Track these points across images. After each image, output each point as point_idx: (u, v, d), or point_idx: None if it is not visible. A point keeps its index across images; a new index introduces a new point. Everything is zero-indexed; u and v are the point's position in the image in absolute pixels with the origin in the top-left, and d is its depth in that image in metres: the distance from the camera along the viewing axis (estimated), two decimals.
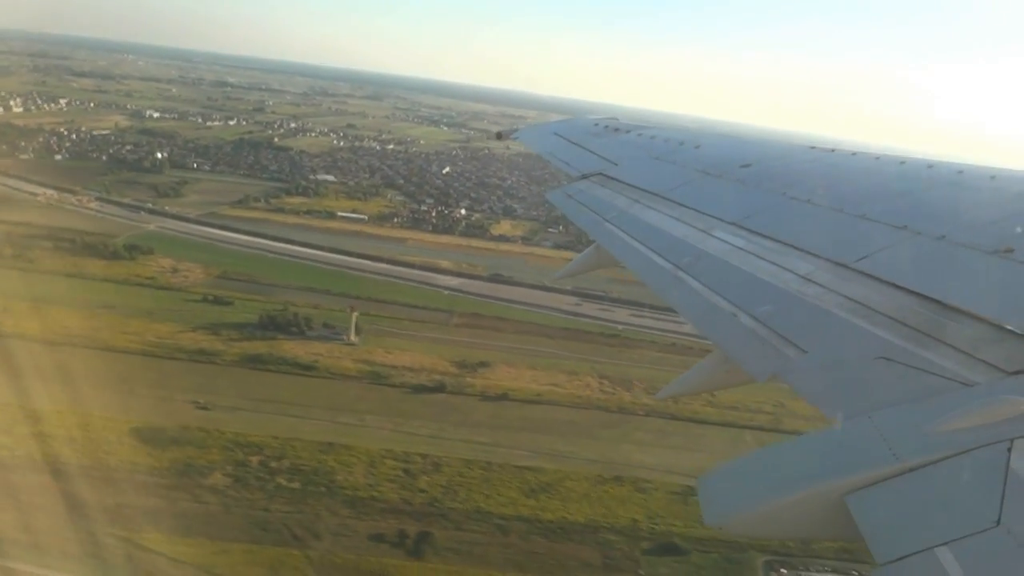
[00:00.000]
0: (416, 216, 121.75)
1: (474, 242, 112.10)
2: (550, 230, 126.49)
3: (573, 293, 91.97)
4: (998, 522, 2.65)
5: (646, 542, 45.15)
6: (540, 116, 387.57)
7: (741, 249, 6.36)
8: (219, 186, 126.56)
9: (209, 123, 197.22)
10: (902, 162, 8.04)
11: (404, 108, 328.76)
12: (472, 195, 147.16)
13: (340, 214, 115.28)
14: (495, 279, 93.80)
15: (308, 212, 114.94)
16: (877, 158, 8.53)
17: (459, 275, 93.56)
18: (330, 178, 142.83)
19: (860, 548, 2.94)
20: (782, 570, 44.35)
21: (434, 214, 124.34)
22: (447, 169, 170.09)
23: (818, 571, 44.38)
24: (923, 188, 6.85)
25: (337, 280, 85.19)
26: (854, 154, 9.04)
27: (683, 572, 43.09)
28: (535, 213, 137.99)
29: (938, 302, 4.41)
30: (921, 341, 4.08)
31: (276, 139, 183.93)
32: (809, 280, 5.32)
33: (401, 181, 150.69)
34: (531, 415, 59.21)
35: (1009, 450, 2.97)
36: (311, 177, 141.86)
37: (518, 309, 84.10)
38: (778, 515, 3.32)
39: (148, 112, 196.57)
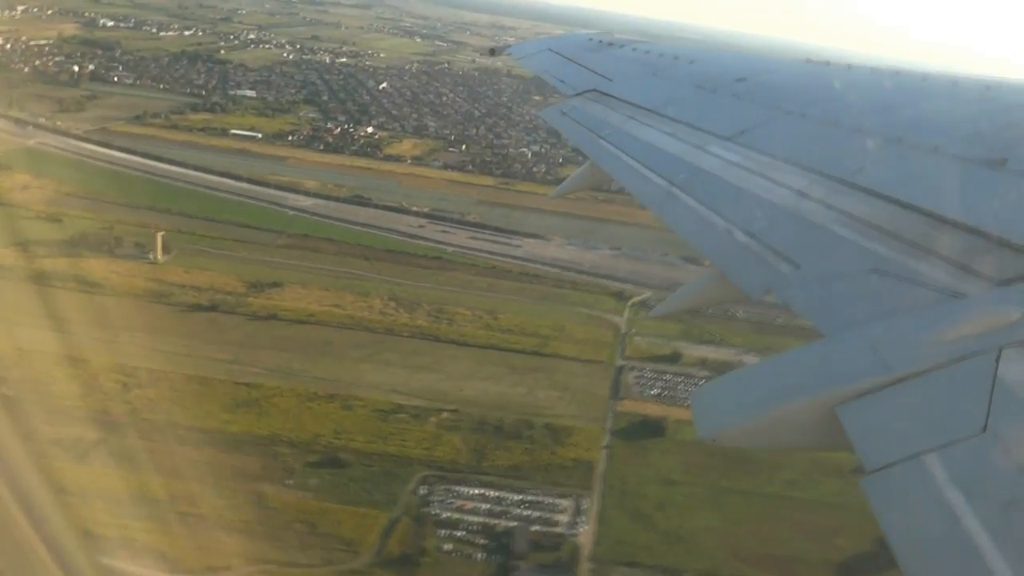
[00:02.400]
0: (316, 134, 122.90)
1: (360, 161, 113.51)
2: (450, 150, 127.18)
3: (423, 215, 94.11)
4: (984, 429, 2.72)
5: (316, 456, 48.97)
6: (534, 27, 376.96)
7: (736, 165, 6.37)
8: (130, 101, 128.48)
9: (162, 33, 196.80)
10: (897, 73, 8.11)
11: (387, 18, 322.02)
12: (393, 112, 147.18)
13: (233, 132, 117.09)
14: (352, 200, 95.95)
15: (203, 129, 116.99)
16: (872, 71, 8.61)
17: (317, 196, 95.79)
18: (250, 94, 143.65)
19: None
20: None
21: (337, 132, 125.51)
22: (384, 84, 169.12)
23: (468, 486, 47.92)
24: (918, 100, 6.92)
25: (184, 199, 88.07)
26: (849, 67, 9.01)
27: (333, 483, 46.89)
28: (447, 131, 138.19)
29: (931, 214, 4.46)
30: (914, 253, 4.17)
31: (222, 51, 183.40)
32: (803, 195, 5.37)
33: (325, 97, 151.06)
34: (290, 335, 62.71)
35: (997, 359, 3.02)
36: (231, 93, 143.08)
37: (354, 231, 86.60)
38: (769, 427, 3.41)
39: (102, 20, 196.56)
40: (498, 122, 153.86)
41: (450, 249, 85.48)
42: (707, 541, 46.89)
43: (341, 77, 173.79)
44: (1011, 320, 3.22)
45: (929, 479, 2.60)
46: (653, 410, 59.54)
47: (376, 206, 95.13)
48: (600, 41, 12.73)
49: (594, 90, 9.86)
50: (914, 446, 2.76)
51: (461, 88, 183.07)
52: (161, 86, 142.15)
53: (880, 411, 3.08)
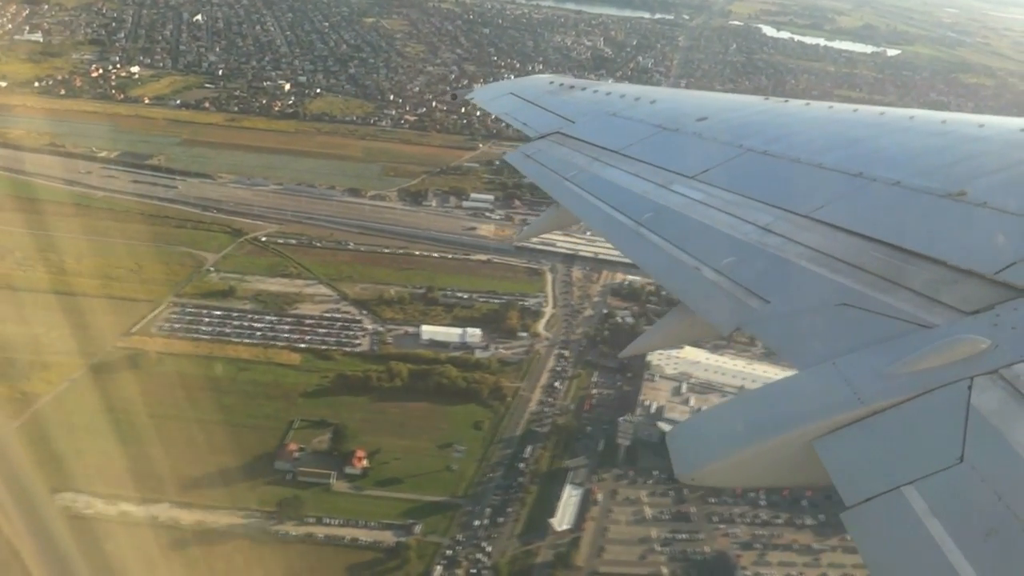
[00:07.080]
0: (68, 80, 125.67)
1: (91, 106, 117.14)
2: (206, 86, 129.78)
3: (104, 160, 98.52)
4: (961, 459, 2.78)
5: None
6: None
7: (701, 203, 6.51)
8: None
9: None
10: (855, 110, 8.45)
11: None
12: (181, 47, 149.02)
13: None
14: (40, 149, 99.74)
15: None
16: (831, 107, 8.93)
17: (5, 147, 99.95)
18: (35, 38, 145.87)
19: None
20: None
21: (96, 74, 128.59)
22: (199, 16, 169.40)
23: None
24: (876, 135, 7.08)
25: None
26: (807, 104, 9.34)
27: None
28: (223, 66, 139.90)
29: (896, 247, 4.60)
30: (880, 286, 4.25)
31: None
32: (769, 231, 5.53)
33: (121, 35, 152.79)
34: None
35: (969, 388, 3.09)
36: (16, 38, 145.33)
37: (19, 181, 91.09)
38: (748, 464, 3.49)
39: None
40: (293, 51, 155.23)
41: (100, 194, 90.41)
42: (77, 461, 53.73)
43: (159, 11, 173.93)
44: (980, 349, 3.31)
45: (909, 511, 2.67)
46: (156, 345, 65.85)
47: (61, 154, 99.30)
48: (561, 84, 13.21)
49: (557, 132, 10.18)
50: (892, 479, 2.82)
51: (291, 15, 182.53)
52: None
53: (857, 444, 3.16)
